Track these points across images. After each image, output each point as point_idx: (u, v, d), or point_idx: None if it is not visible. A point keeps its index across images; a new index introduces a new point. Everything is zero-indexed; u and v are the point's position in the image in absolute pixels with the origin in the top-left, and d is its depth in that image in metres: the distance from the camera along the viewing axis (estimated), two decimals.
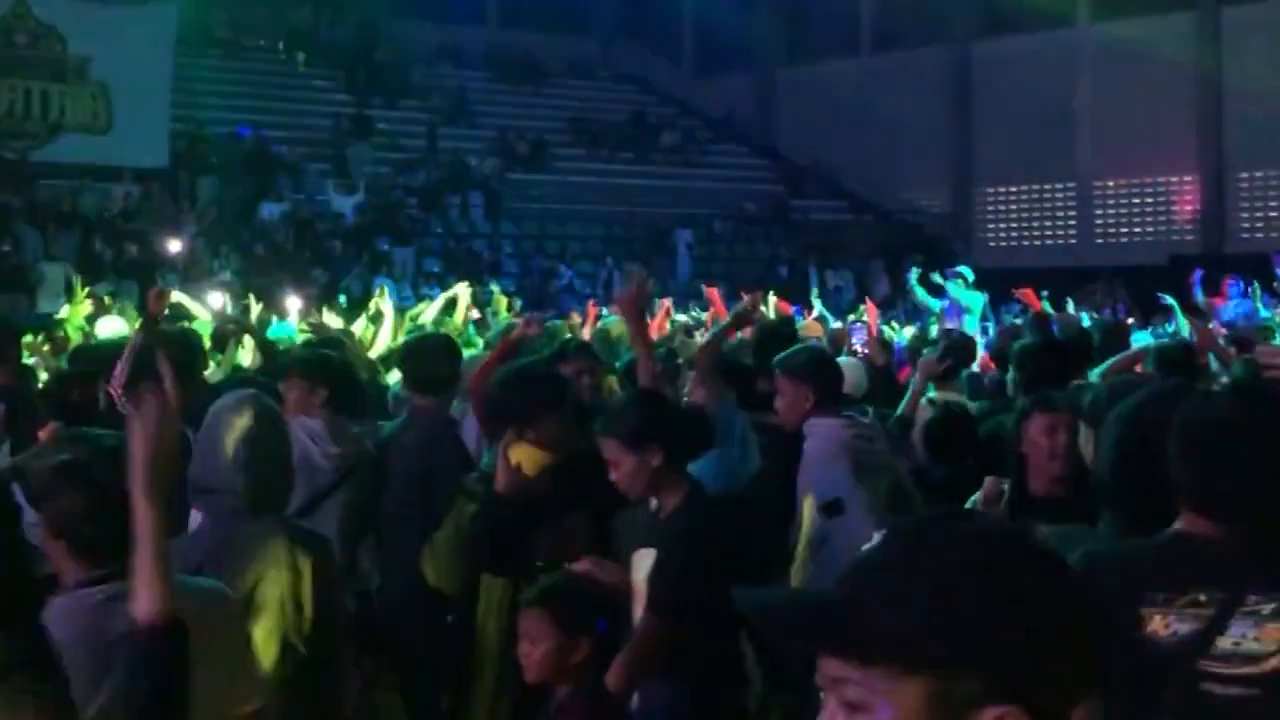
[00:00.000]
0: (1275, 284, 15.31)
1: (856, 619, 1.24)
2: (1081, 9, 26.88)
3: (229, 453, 3.37)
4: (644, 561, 3.77)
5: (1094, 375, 6.02)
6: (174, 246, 19.02)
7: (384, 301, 9.23)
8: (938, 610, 1.22)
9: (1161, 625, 2.36)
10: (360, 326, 9.02)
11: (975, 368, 7.95)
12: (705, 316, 10.87)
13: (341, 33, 28.89)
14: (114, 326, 9.27)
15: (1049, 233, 27.81)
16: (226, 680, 2.80)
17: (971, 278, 13.69)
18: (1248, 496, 2.39)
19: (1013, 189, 28.21)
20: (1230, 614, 2.34)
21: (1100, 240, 26.77)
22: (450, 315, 9.48)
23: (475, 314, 10.48)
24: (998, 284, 14.84)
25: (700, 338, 8.27)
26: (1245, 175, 25.33)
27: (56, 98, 20.67)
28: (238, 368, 7.13)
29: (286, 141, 24.25)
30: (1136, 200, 26.62)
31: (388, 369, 7.24)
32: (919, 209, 28.64)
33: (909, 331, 11.94)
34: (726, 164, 29.80)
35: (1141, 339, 8.93)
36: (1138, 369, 6.14)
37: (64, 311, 10.14)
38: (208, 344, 7.01)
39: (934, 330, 11.18)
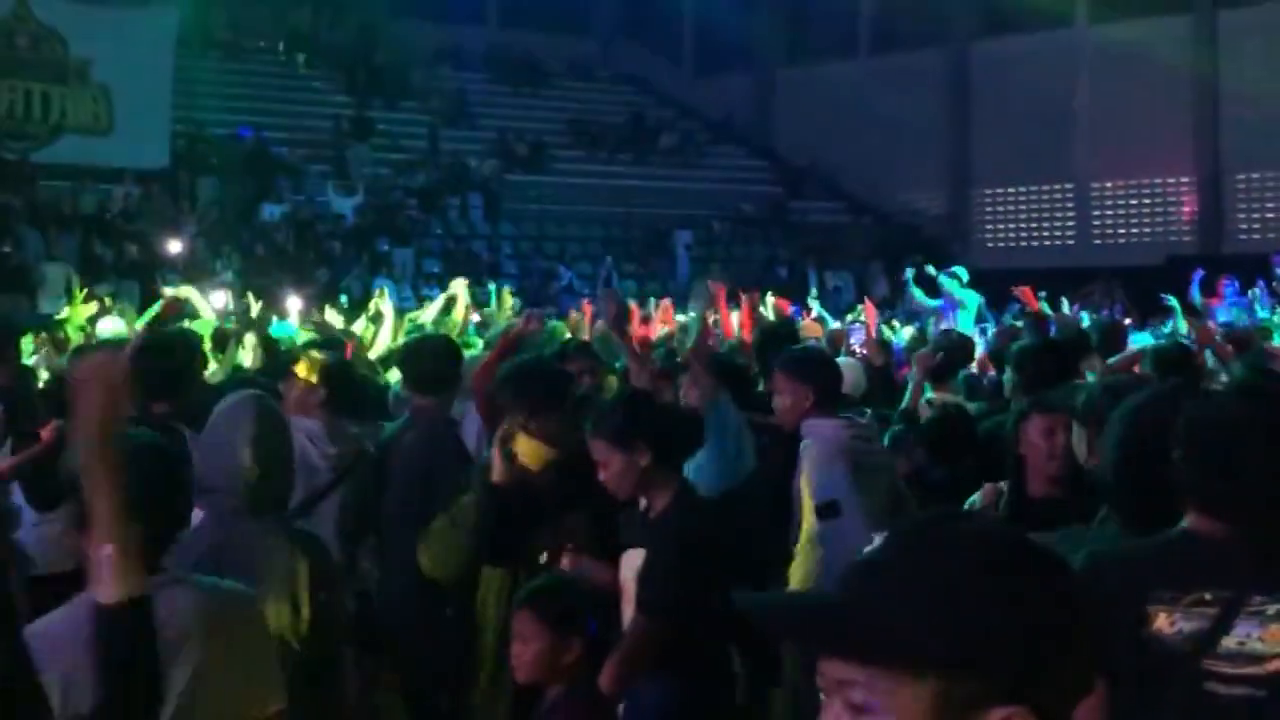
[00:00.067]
0: (1275, 284, 15.35)
1: (861, 621, 1.25)
2: (1079, 11, 26.91)
3: (232, 453, 3.38)
4: (633, 561, 3.78)
5: (1091, 377, 6.03)
6: (174, 247, 19.03)
7: (384, 302, 9.25)
8: (943, 611, 1.23)
9: (1167, 623, 2.37)
10: (360, 327, 9.03)
11: (973, 368, 7.95)
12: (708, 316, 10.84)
13: (341, 34, 28.91)
14: (114, 327, 9.28)
15: (1047, 233, 27.83)
16: (248, 682, 2.82)
17: (966, 278, 13.71)
18: (1252, 497, 2.41)
19: (1011, 190, 28.23)
20: (1235, 613, 2.35)
21: (1098, 241, 26.79)
22: (449, 315, 9.49)
23: (476, 317, 10.48)
24: (996, 285, 14.86)
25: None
26: (1242, 177, 25.37)
27: (57, 99, 20.69)
28: (238, 368, 7.14)
29: (287, 143, 24.28)
30: (1134, 201, 26.65)
31: (387, 369, 7.26)
32: (917, 210, 28.65)
33: (908, 332, 11.96)
34: (725, 165, 29.81)
35: (1142, 340, 8.94)
36: (1135, 369, 6.17)
37: (65, 313, 10.15)
38: (208, 344, 7.03)
39: (931, 330, 11.19)
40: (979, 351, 8.53)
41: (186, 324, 7.71)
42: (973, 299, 13.48)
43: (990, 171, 27.89)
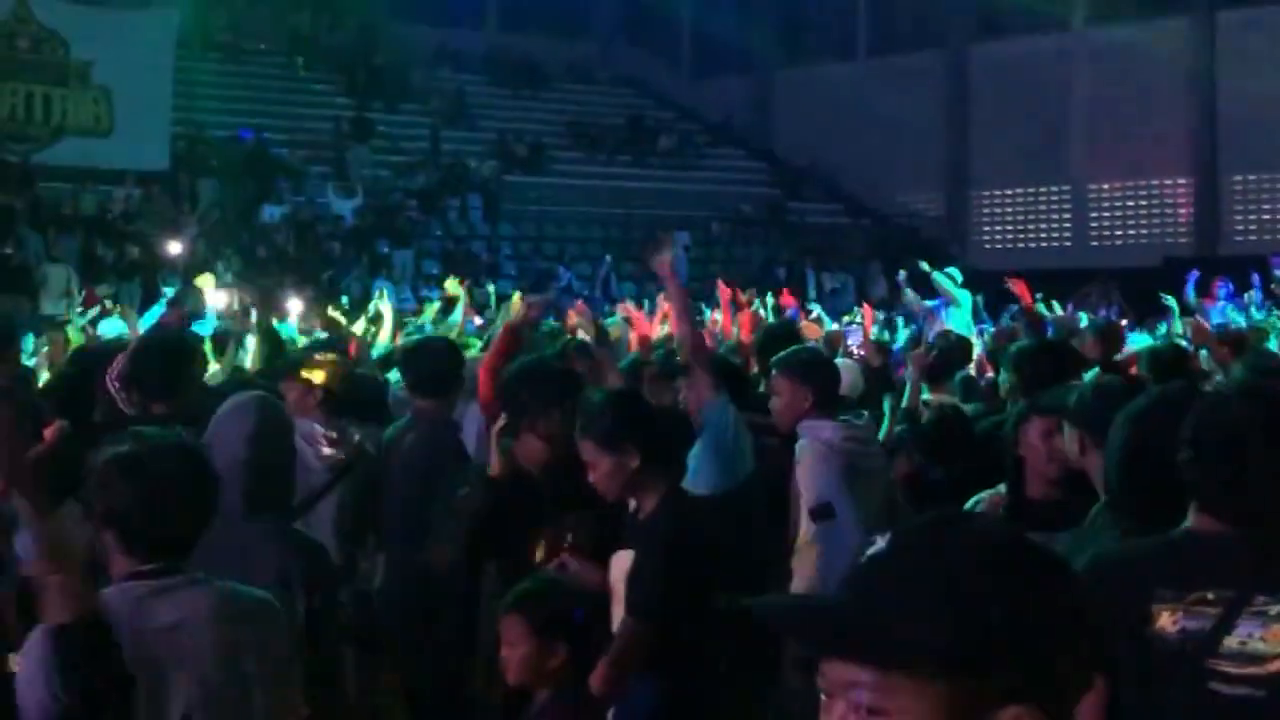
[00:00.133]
0: (1273, 285, 15.36)
1: (865, 622, 1.26)
2: (1077, 13, 26.92)
3: (233, 453, 3.39)
4: (623, 563, 3.78)
5: (1088, 378, 6.04)
6: (175, 248, 19.01)
7: (383, 303, 9.28)
8: (945, 612, 1.24)
9: (1170, 622, 2.38)
10: (360, 328, 9.06)
11: (971, 370, 7.96)
12: (709, 317, 10.87)
13: (341, 36, 28.93)
14: (115, 327, 9.30)
15: (1044, 235, 27.84)
16: (272, 690, 2.81)
17: (960, 279, 13.71)
18: (1256, 497, 2.41)
19: (1008, 192, 28.24)
20: (1238, 613, 2.35)
21: (1095, 243, 26.80)
22: (449, 317, 9.51)
23: (478, 320, 10.50)
24: (994, 286, 14.86)
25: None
26: (1239, 178, 25.38)
27: (58, 101, 20.71)
28: (238, 369, 7.15)
29: (287, 144, 24.29)
30: (1131, 203, 26.66)
31: (387, 370, 7.28)
32: (915, 211, 28.66)
33: (908, 332, 11.97)
34: (724, 166, 29.81)
35: (1140, 341, 8.96)
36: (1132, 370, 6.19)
37: (66, 315, 10.17)
38: (208, 345, 7.04)
39: (926, 331, 11.19)
40: (977, 352, 8.54)
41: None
42: (966, 298, 13.48)
43: (988, 173, 27.91)
